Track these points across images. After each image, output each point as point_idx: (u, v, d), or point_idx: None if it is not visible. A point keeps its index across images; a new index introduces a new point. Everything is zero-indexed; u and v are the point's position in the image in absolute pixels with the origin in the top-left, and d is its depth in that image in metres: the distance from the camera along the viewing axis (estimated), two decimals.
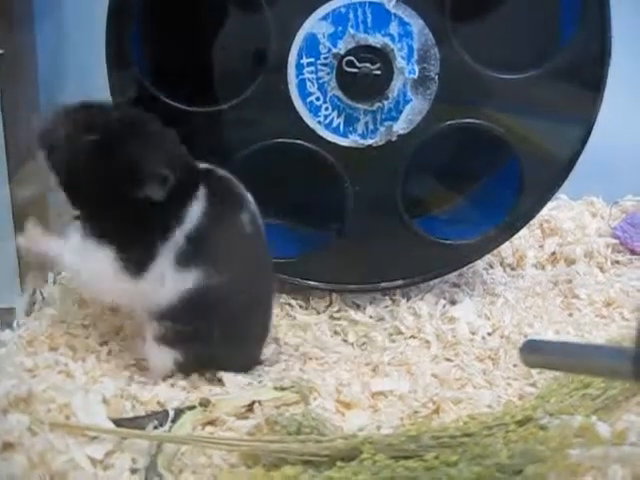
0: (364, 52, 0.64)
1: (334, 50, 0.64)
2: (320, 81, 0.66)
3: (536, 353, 0.45)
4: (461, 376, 0.64)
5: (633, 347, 0.37)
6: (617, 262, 0.85)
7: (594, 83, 0.67)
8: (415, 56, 0.65)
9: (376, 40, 0.64)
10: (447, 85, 0.66)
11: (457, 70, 0.66)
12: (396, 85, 0.65)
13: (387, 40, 0.64)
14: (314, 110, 0.67)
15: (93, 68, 0.66)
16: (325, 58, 0.65)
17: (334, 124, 0.67)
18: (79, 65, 0.89)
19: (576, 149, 0.69)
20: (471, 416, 0.57)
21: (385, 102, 0.66)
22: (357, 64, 0.64)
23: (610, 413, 0.56)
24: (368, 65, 0.64)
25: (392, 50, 0.64)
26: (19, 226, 0.82)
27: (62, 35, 0.91)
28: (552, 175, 0.70)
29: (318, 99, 0.66)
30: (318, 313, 0.73)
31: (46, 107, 0.93)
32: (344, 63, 0.64)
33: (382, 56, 0.64)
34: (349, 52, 0.64)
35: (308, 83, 0.66)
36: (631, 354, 0.37)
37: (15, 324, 0.63)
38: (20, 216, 0.83)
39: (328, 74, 0.65)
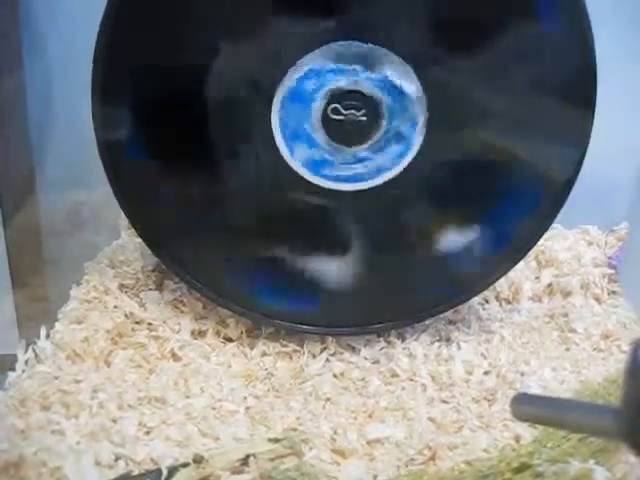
0: (350, 99, 0.64)
1: (321, 94, 0.64)
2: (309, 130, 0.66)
3: (526, 407, 0.44)
4: (457, 419, 0.63)
5: (620, 406, 0.37)
6: (614, 292, 0.83)
7: (584, 106, 0.66)
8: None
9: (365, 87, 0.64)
10: (437, 118, 0.66)
11: (446, 101, 0.65)
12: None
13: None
14: (310, 164, 0.67)
15: (82, 108, 0.66)
16: (312, 103, 0.64)
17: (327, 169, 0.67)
18: (68, 106, 0.90)
19: (571, 173, 0.68)
20: (467, 462, 0.57)
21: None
22: (343, 111, 0.64)
23: (609, 454, 0.55)
24: (354, 112, 0.64)
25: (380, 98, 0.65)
26: (15, 275, 0.82)
27: (50, 76, 0.91)
28: (549, 200, 0.69)
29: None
30: (314, 357, 0.72)
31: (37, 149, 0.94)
32: (329, 110, 0.64)
33: (370, 103, 0.64)
34: (334, 99, 0.64)
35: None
36: (618, 414, 0.37)
37: (7, 383, 0.63)
38: (16, 265, 0.84)
39: (316, 121, 0.65)
